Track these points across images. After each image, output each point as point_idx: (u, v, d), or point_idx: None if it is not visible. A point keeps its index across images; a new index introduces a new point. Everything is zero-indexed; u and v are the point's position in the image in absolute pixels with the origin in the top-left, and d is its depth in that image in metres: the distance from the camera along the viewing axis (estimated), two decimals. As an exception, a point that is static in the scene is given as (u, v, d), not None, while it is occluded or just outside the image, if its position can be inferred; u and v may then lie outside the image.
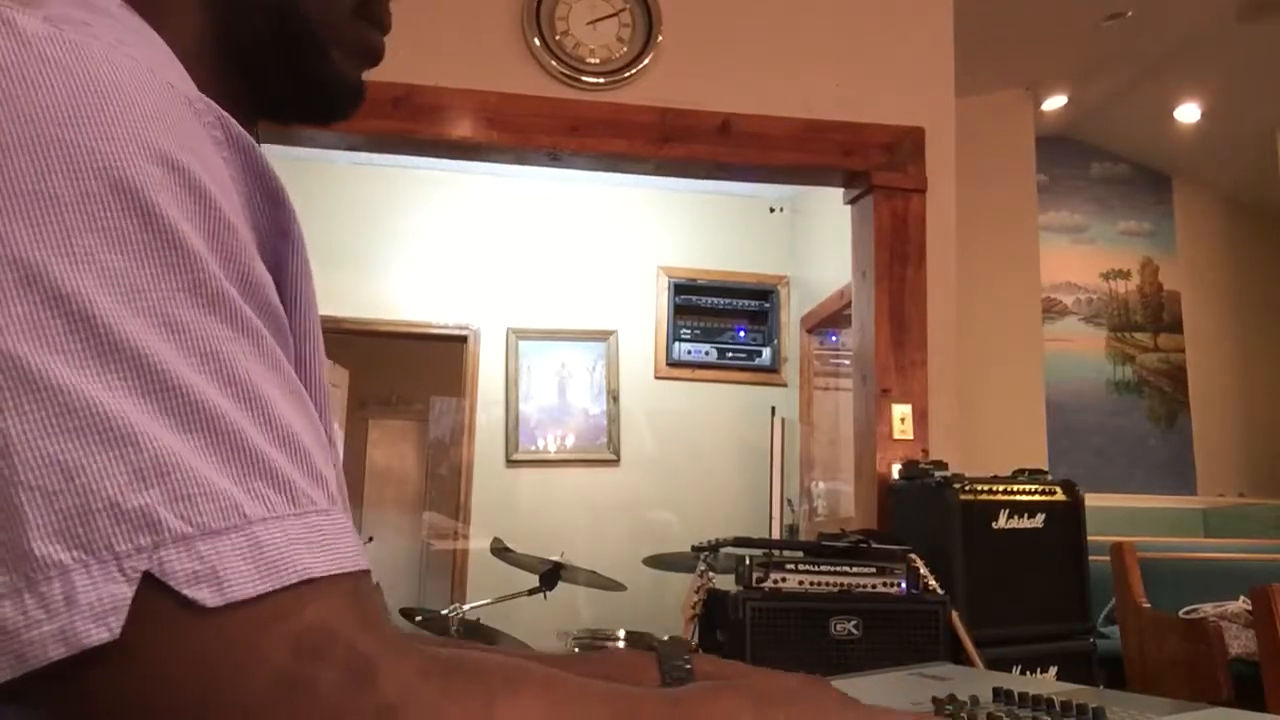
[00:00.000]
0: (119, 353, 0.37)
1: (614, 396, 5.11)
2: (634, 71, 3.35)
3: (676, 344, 5.19)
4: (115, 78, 0.41)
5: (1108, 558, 2.87)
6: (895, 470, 3.13)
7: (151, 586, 0.35)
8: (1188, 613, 2.65)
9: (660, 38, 3.38)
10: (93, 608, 0.34)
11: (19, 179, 0.37)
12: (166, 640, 0.35)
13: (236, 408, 0.39)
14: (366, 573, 0.41)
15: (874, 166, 3.42)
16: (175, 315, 0.38)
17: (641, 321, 5.20)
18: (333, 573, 0.39)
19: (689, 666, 0.68)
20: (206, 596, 0.35)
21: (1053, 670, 2.62)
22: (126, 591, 0.35)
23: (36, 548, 0.35)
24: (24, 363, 0.35)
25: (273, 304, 0.43)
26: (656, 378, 5.18)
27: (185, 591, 0.35)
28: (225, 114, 0.45)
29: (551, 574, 3.38)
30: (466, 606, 3.36)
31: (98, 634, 0.34)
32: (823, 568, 2.44)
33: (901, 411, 3.27)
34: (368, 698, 0.37)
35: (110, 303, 0.37)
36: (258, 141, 0.50)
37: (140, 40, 0.48)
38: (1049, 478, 2.90)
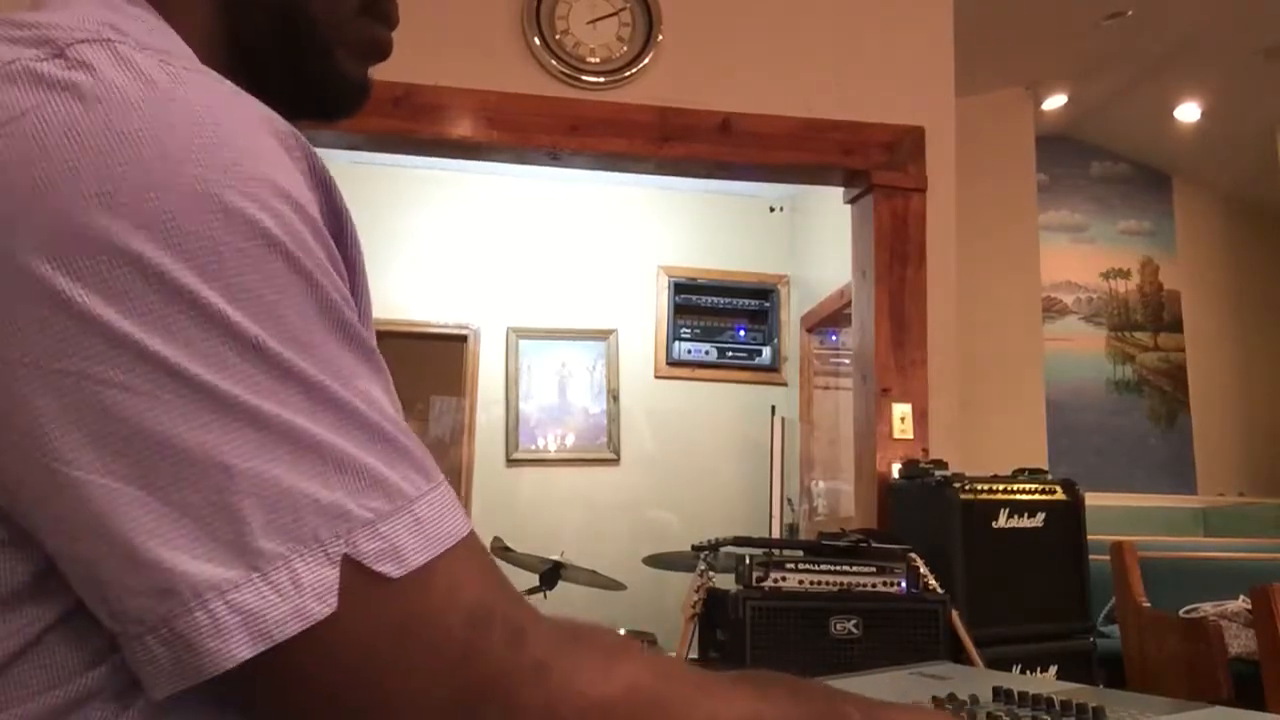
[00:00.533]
0: (285, 376, 0.44)
1: (614, 396, 5.11)
2: (634, 71, 3.35)
3: (676, 343, 5.19)
4: (235, 113, 0.46)
5: (1108, 557, 2.87)
6: (895, 470, 3.13)
7: (349, 567, 0.43)
8: (1187, 612, 2.65)
9: (660, 37, 3.38)
10: (315, 588, 0.42)
11: (172, 216, 0.42)
12: (364, 611, 0.43)
13: (373, 412, 0.46)
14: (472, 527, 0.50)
15: (874, 166, 3.42)
16: (312, 339, 0.45)
17: (641, 321, 5.20)
18: (466, 532, 0.47)
19: None
20: (391, 569, 0.43)
21: (1053, 669, 2.62)
22: (333, 574, 0.42)
23: (262, 543, 0.42)
24: (217, 390, 0.42)
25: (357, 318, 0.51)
26: (656, 377, 5.18)
27: (375, 567, 0.43)
28: (310, 147, 0.49)
29: (552, 573, 3.38)
30: (466, 606, 3.35)
31: (322, 610, 0.42)
32: (823, 567, 2.44)
33: (901, 411, 3.27)
34: (524, 656, 0.45)
35: (270, 334, 0.43)
36: None
37: (196, 63, 0.50)
38: (1049, 477, 2.90)
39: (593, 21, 3.37)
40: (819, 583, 2.42)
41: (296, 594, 0.42)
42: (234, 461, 0.42)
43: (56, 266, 0.41)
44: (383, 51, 0.66)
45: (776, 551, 2.49)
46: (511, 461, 5.01)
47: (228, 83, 0.48)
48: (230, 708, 0.45)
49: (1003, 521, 2.73)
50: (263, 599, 0.41)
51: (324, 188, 0.49)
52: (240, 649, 0.41)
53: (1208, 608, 2.64)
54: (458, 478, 5.08)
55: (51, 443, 0.41)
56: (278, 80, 0.61)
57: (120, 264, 0.41)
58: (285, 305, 0.44)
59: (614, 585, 3.43)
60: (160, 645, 0.42)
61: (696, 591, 2.47)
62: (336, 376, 0.45)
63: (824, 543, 2.62)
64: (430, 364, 5.96)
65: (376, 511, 0.44)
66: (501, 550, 3.53)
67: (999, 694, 0.74)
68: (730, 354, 5.24)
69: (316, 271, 0.46)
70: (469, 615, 0.45)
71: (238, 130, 0.45)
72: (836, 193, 3.67)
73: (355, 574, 0.43)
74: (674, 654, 2.28)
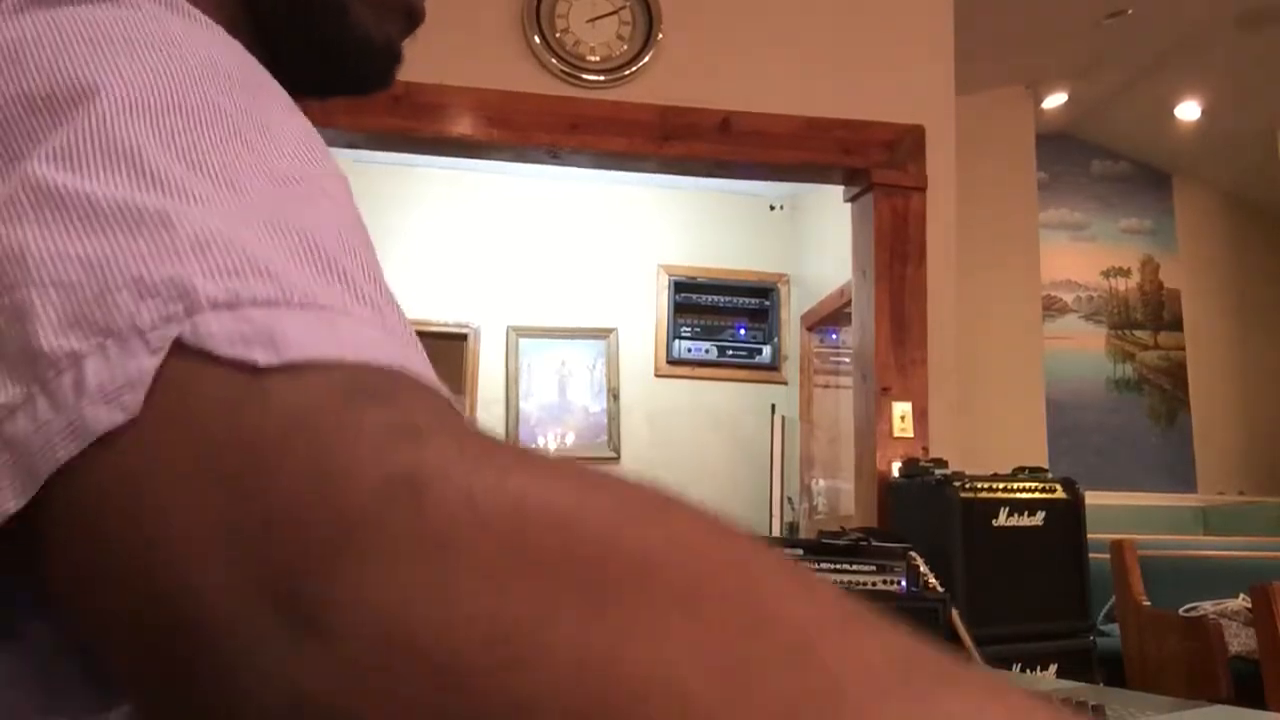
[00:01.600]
0: (165, 176, 0.31)
1: (614, 394, 5.11)
2: (634, 69, 3.35)
3: (677, 342, 5.19)
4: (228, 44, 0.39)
5: (1107, 556, 2.87)
6: (895, 468, 3.13)
7: (184, 357, 0.27)
8: (1187, 611, 2.65)
9: (660, 36, 3.38)
10: (103, 389, 0.27)
11: (146, 67, 0.34)
12: (196, 412, 0.27)
13: (320, 230, 0.32)
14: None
15: (874, 164, 3.42)
16: (223, 112, 0.34)
17: (642, 319, 5.20)
18: (425, 376, 0.31)
19: None
20: (260, 356, 0.27)
21: (1053, 668, 2.62)
22: (148, 363, 0.27)
23: (44, 342, 0.28)
24: (52, 181, 0.30)
25: None
26: (657, 376, 5.18)
27: (228, 353, 0.27)
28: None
29: (552, 572, 3.38)
30: (467, 604, 3.36)
31: (111, 416, 0.27)
32: (823, 566, 2.44)
33: (901, 409, 3.27)
34: (402, 457, 0.26)
35: (164, 152, 0.32)
36: None
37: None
38: (1049, 476, 2.90)
39: (593, 20, 3.37)
40: (819, 581, 2.42)
41: (75, 401, 0.27)
42: (36, 249, 0.29)
43: None
44: (409, 13, 0.58)
45: (776, 550, 2.49)
46: (511, 460, 5.01)
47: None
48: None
49: (1003, 520, 2.73)
50: (33, 421, 0.27)
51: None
52: (7, 498, 0.27)
53: (1207, 606, 2.63)
54: (458, 476, 5.09)
55: None
56: (298, 54, 0.56)
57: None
58: (204, 141, 0.32)
59: (614, 584, 3.43)
60: None
61: (696, 590, 2.47)
62: (263, 178, 0.33)
63: (824, 541, 2.62)
64: (430, 362, 5.97)
65: (251, 297, 0.28)
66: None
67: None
68: (730, 353, 5.24)
69: (267, 79, 0.37)
70: (349, 394, 0.27)
71: (276, 93, 0.39)
72: (837, 191, 3.67)
73: (192, 367, 0.27)
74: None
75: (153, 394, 0.27)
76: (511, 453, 0.29)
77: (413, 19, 0.59)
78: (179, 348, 0.27)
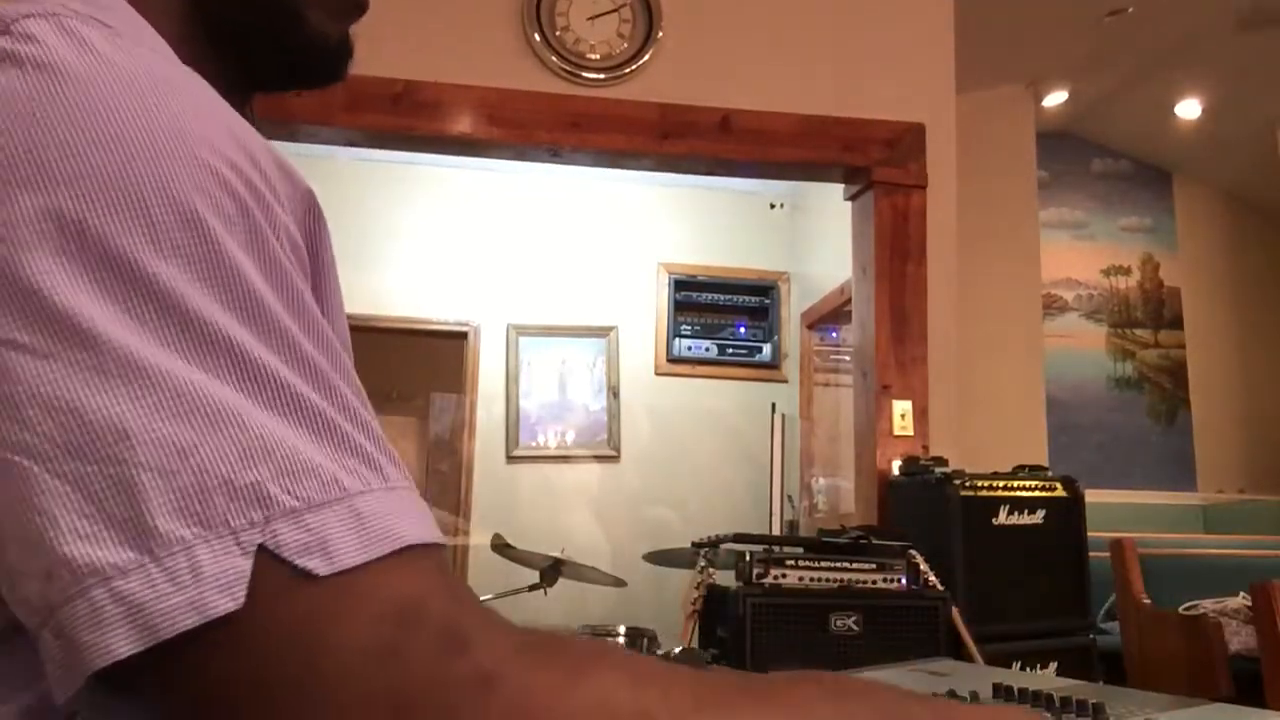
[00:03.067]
0: (214, 343, 0.39)
1: (614, 392, 5.11)
2: (634, 67, 3.34)
3: (677, 340, 5.18)
4: (182, 88, 0.44)
5: (1108, 554, 2.87)
6: (895, 466, 3.13)
7: (265, 558, 0.37)
8: (1188, 609, 2.65)
9: (660, 34, 3.37)
10: (218, 579, 0.36)
11: (104, 178, 0.39)
12: (280, 610, 0.37)
13: (319, 395, 0.41)
14: (444, 545, 0.43)
15: (874, 162, 3.42)
16: (257, 307, 0.41)
17: (642, 317, 5.20)
18: (425, 541, 0.40)
19: None
20: (317, 565, 0.37)
21: (1053, 666, 2.62)
22: (244, 564, 0.36)
23: (160, 524, 0.36)
24: (131, 351, 0.38)
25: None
26: (657, 374, 5.18)
27: (297, 561, 0.37)
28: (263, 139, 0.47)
29: (552, 570, 3.38)
30: (467, 602, 3.35)
31: (224, 604, 0.36)
32: (823, 564, 2.44)
33: (902, 408, 3.27)
34: (465, 665, 0.38)
35: (200, 296, 0.39)
36: (255, 124, 0.50)
37: (159, 46, 0.49)
38: (1049, 474, 2.90)
39: (593, 18, 3.37)
40: (819, 579, 2.42)
41: (195, 584, 0.36)
42: (137, 429, 0.37)
43: None
44: (358, 5, 0.62)
45: (777, 548, 2.49)
46: (512, 458, 5.01)
47: (181, 66, 0.47)
48: None
49: (1003, 518, 2.73)
50: (153, 588, 0.36)
51: (289, 174, 0.47)
52: (121, 644, 0.35)
53: (1208, 605, 2.63)
54: (458, 474, 5.09)
55: None
56: (254, 51, 0.59)
57: (41, 219, 0.39)
58: (222, 267, 0.40)
59: (614, 582, 3.43)
60: (53, 638, 0.37)
61: (697, 588, 2.47)
62: (280, 351, 0.40)
63: (824, 539, 2.62)
64: (431, 361, 5.96)
65: (305, 500, 0.38)
66: (502, 547, 3.53)
67: (999, 691, 0.74)
68: (730, 351, 5.24)
69: (271, 245, 0.42)
70: (398, 613, 0.38)
71: (186, 99, 0.43)
72: (837, 189, 3.67)
73: (272, 567, 0.37)
74: (676, 650, 2.28)
75: (248, 590, 0.36)
76: (558, 646, 0.41)
77: (359, 9, 0.62)
78: (260, 548, 0.37)
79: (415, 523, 0.41)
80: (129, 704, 0.39)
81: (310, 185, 0.49)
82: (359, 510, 0.39)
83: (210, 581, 0.36)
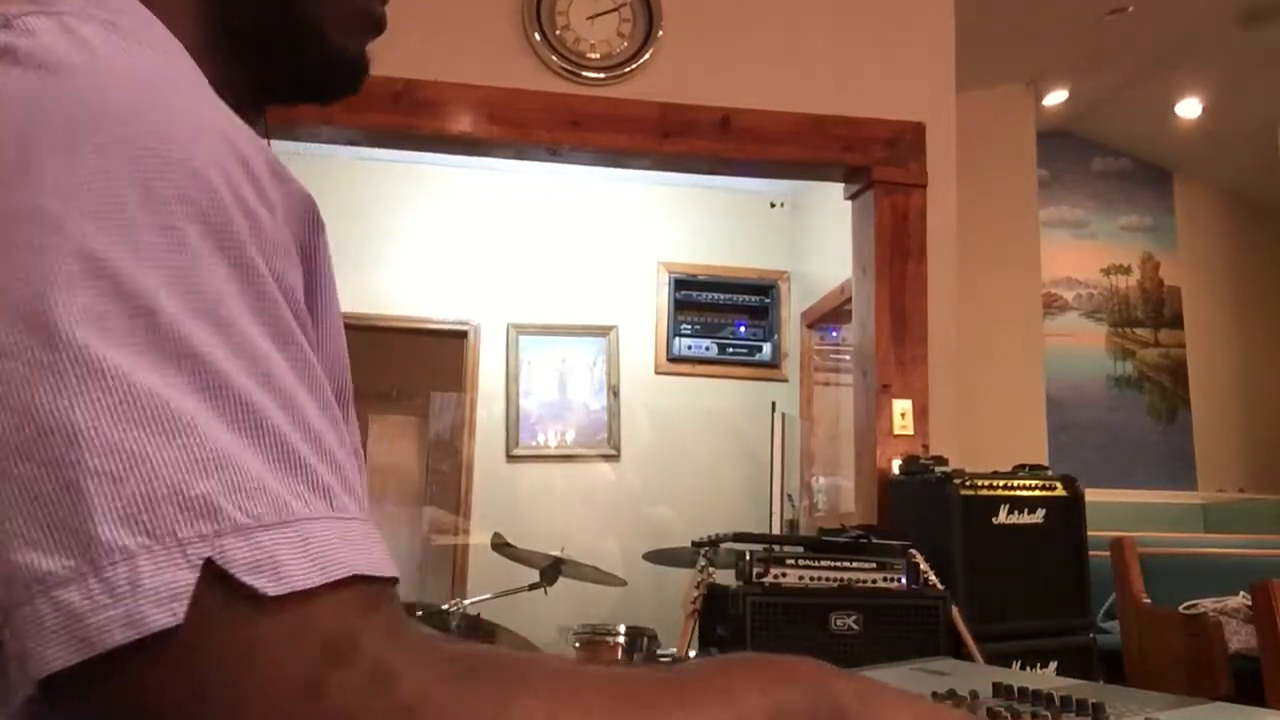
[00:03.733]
0: (179, 350, 0.38)
1: (614, 392, 5.11)
2: (634, 66, 3.34)
3: (677, 339, 5.18)
4: (180, 89, 0.43)
5: (1108, 553, 2.87)
6: (896, 466, 3.13)
7: (210, 574, 0.36)
8: (1188, 608, 2.65)
9: (660, 33, 3.37)
10: (157, 593, 0.35)
11: (88, 178, 0.39)
12: (218, 629, 0.36)
13: (281, 414, 0.40)
14: (396, 580, 0.42)
15: (875, 162, 3.42)
16: (229, 319, 0.40)
17: (642, 317, 5.20)
18: (375, 573, 0.40)
19: None
20: (266, 585, 0.36)
21: (1053, 665, 2.62)
22: (189, 577, 0.36)
23: (102, 532, 0.35)
24: (90, 352, 0.37)
25: (305, 317, 0.45)
26: (657, 373, 5.18)
27: (245, 579, 0.36)
28: (263, 142, 0.47)
29: (552, 569, 3.38)
30: (467, 602, 3.36)
31: (162, 619, 0.35)
32: (823, 563, 2.44)
33: (902, 407, 3.27)
34: (385, 701, 0.37)
35: (170, 301, 0.38)
36: (267, 135, 0.50)
37: (171, 47, 0.49)
38: (1049, 473, 2.90)
39: (593, 17, 3.36)
40: (819, 578, 2.42)
41: (132, 597, 0.35)
42: (86, 432, 0.36)
43: None
44: (377, 24, 0.63)
45: (777, 547, 2.50)
46: (512, 458, 5.01)
47: (186, 67, 0.46)
48: None
49: (1003, 517, 2.74)
50: (90, 600, 0.35)
51: (283, 179, 0.46)
52: (57, 655, 0.35)
53: (1208, 604, 2.64)
54: (458, 474, 5.09)
55: None
56: (274, 64, 0.59)
57: (19, 219, 0.38)
58: (197, 274, 0.39)
59: (614, 581, 3.43)
60: (11, 641, 0.37)
61: (697, 587, 2.47)
62: (245, 364, 0.39)
63: (824, 539, 2.62)
64: (431, 360, 5.96)
65: (256, 518, 0.37)
66: (502, 546, 3.53)
67: (999, 690, 0.74)
68: (730, 350, 5.24)
69: (254, 257, 0.41)
70: (327, 647, 0.37)
71: (175, 97, 0.43)
72: (837, 189, 3.67)
73: (218, 583, 0.36)
74: (675, 649, 2.27)
75: (190, 604, 0.35)
76: (493, 673, 0.40)
77: (377, 28, 0.64)
78: (208, 563, 0.36)
79: (364, 553, 0.40)
80: (76, 714, 0.38)
81: (308, 191, 0.48)
82: (307, 535, 0.38)
83: (149, 595, 0.35)
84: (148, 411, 0.37)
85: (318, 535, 0.38)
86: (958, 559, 2.65)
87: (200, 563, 0.36)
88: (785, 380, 5.21)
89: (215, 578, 0.36)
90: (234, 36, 0.57)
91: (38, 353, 0.37)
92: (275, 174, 0.46)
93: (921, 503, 2.89)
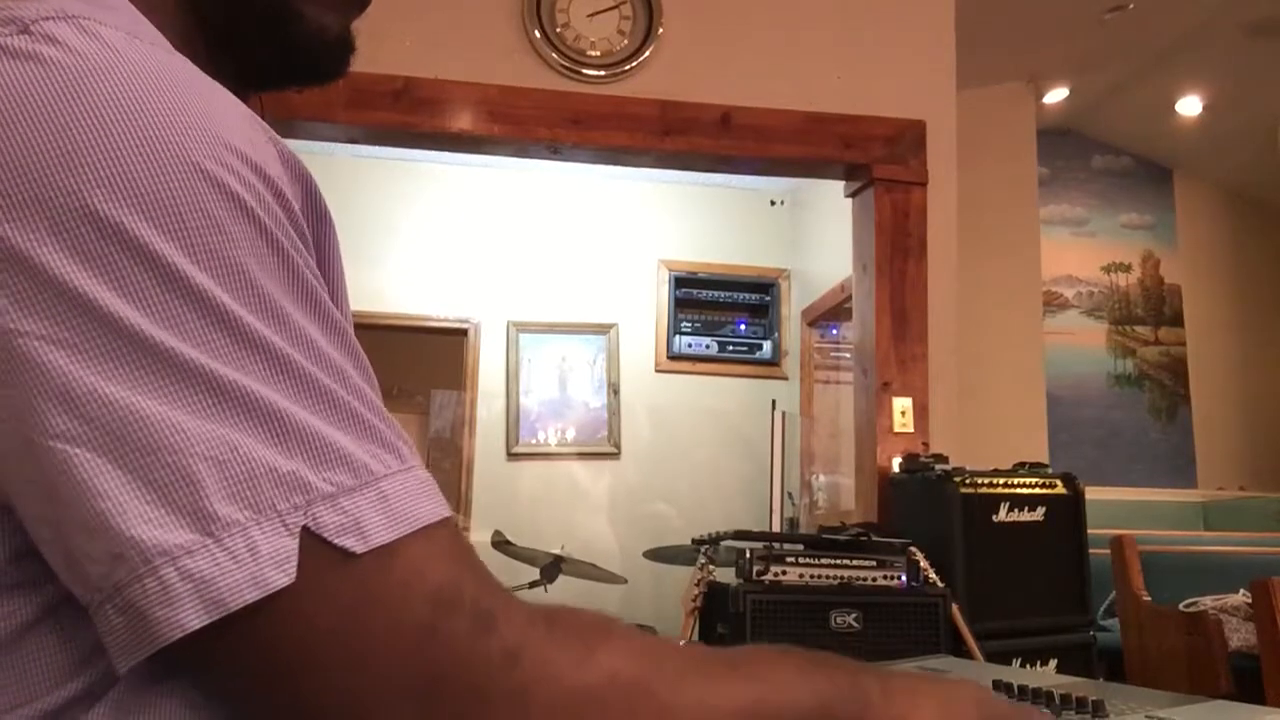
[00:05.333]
0: (249, 343, 0.43)
1: (614, 390, 5.11)
2: (635, 64, 3.34)
3: (677, 337, 5.18)
4: (197, 87, 0.45)
5: (1108, 551, 2.87)
6: (896, 463, 3.13)
7: (308, 538, 0.41)
8: (1188, 606, 2.65)
9: (661, 30, 3.37)
10: (273, 557, 0.40)
11: (134, 180, 0.41)
12: (326, 585, 0.41)
13: (340, 387, 0.45)
14: (453, 515, 0.47)
15: (875, 159, 3.42)
16: (279, 307, 0.44)
17: (642, 315, 5.20)
18: (440, 517, 0.45)
19: None
20: (353, 544, 0.42)
21: (1053, 663, 2.62)
22: (291, 544, 0.41)
23: (218, 509, 0.40)
24: (176, 354, 0.41)
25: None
26: (657, 371, 5.18)
27: (336, 541, 0.42)
28: (276, 136, 0.49)
29: (552, 567, 3.38)
30: (467, 599, 3.36)
31: (280, 579, 0.40)
32: (823, 561, 2.44)
33: (902, 405, 3.27)
34: (493, 642, 0.43)
35: (229, 297, 0.42)
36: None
37: (167, 45, 0.49)
38: (1049, 471, 2.90)
39: (593, 15, 3.36)
40: (819, 576, 2.42)
41: (253, 561, 0.40)
42: (190, 426, 0.41)
43: (14, 226, 0.40)
44: (360, 1, 0.63)
45: (777, 545, 2.50)
46: (512, 455, 5.01)
47: (185, 60, 0.48)
48: (205, 710, 0.44)
49: (1003, 515, 2.73)
50: (217, 565, 0.40)
51: (295, 171, 0.49)
52: (191, 617, 0.39)
53: (1208, 602, 2.64)
54: (459, 471, 5.09)
55: (13, 403, 0.40)
56: (257, 49, 0.60)
57: (78, 221, 0.40)
58: (251, 270, 0.43)
59: (614, 579, 3.43)
60: (117, 615, 0.40)
61: (697, 585, 2.48)
62: (302, 347, 0.44)
63: (824, 536, 2.62)
64: (431, 358, 5.96)
65: (339, 485, 0.42)
66: (502, 544, 3.54)
67: (999, 687, 0.74)
68: (731, 348, 5.24)
69: (286, 242, 0.45)
70: (433, 596, 0.43)
71: (206, 99, 0.45)
72: (837, 186, 3.67)
73: (315, 547, 0.41)
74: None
75: (299, 567, 0.41)
76: (570, 622, 0.47)
77: (361, 4, 0.63)
78: (304, 530, 0.41)
79: (430, 500, 0.45)
80: (186, 678, 0.43)
81: (312, 177, 0.50)
82: (385, 493, 0.43)
83: (267, 559, 0.40)
84: (235, 402, 0.42)
85: (392, 492, 0.44)
86: (958, 557, 2.65)
87: (298, 530, 0.41)
88: (785, 378, 5.21)
89: (313, 542, 0.41)
90: (211, 25, 0.57)
91: (131, 356, 0.41)
92: (284, 162, 0.48)
93: (922, 501, 2.89)
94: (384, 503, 0.43)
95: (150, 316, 0.41)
